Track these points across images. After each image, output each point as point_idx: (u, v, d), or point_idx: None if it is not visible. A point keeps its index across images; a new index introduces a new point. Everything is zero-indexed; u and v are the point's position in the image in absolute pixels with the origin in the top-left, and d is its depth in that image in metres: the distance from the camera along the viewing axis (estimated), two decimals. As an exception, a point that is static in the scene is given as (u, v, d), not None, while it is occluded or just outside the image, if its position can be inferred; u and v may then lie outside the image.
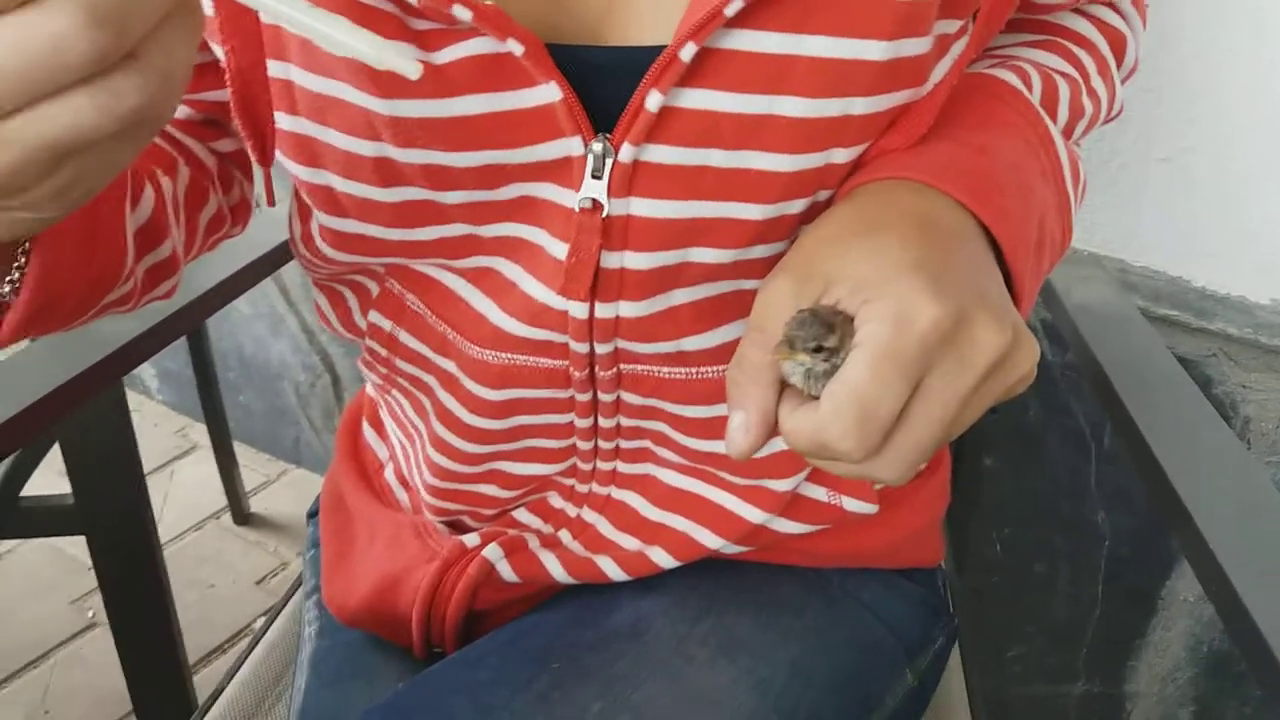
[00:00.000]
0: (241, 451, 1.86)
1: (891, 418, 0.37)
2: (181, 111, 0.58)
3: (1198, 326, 1.01)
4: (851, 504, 0.60)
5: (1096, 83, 0.59)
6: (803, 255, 0.42)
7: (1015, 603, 1.24)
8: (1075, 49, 0.60)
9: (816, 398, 0.38)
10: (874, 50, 0.43)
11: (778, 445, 0.56)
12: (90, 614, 1.59)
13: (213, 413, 1.69)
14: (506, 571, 0.59)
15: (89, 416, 0.92)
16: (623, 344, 0.52)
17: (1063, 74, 0.57)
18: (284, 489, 1.92)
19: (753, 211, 0.47)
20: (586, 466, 0.60)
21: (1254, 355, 1.01)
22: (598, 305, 0.50)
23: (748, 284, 0.51)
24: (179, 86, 0.30)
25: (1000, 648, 1.27)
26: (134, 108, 0.28)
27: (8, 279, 0.42)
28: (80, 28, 0.26)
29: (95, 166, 0.31)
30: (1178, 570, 1.13)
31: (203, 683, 1.44)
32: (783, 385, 0.40)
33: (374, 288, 0.59)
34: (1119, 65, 0.63)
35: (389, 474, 0.72)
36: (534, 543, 0.61)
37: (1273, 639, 0.52)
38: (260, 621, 1.58)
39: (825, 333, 0.38)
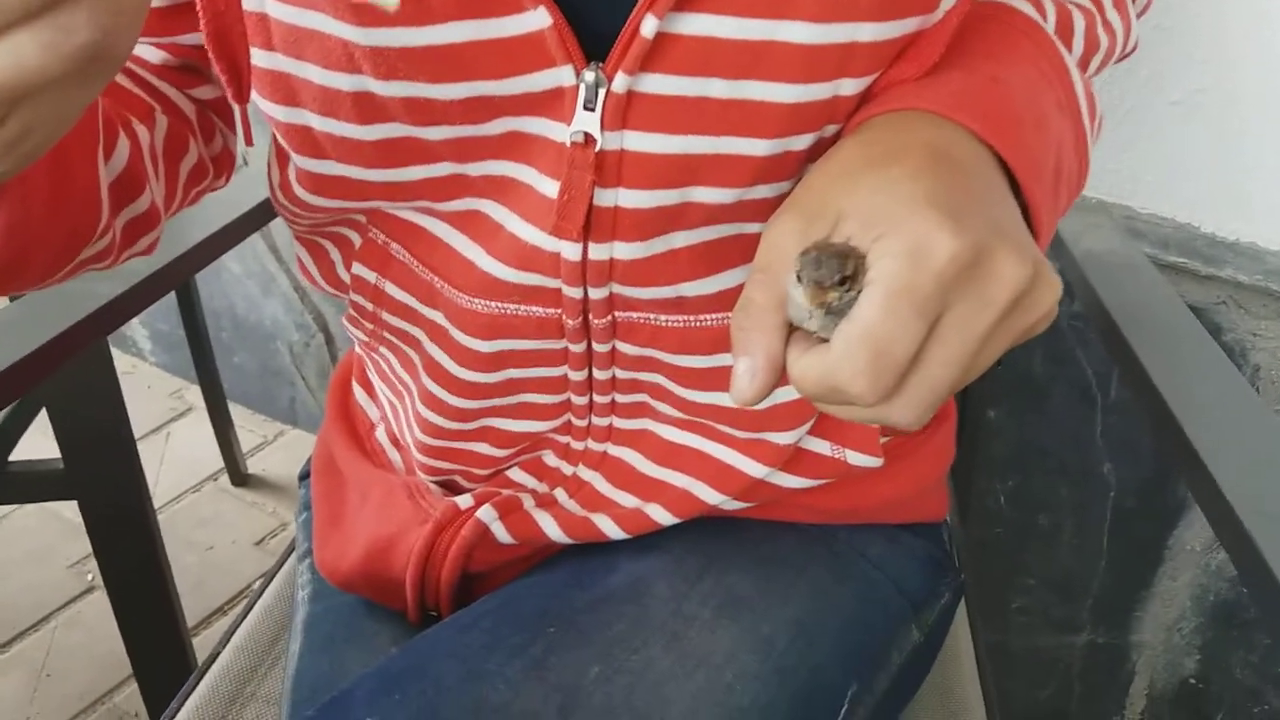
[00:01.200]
0: (237, 413, 1.85)
1: (907, 358, 0.34)
2: (157, 56, 0.55)
3: (1207, 274, 0.99)
4: (856, 458, 0.58)
5: (1112, 15, 0.57)
6: (810, 191, 0.39)
7: (1019, 554, 1.23)
8: None
9: (826, 340, 0.36)
10: None
11: (780, 396, 0.55)
12: (90, 577, 1.58)
13: (206, 374, 1.67)
14: (501, 533, 0.58)
15: (75, 379, 0.90)
16: (618, 289, 0.50)
17: (1078, 5, 0.55)
18: (281, 449, 1.91)
19: (755, 147, 0.44)
20: (581, 423, 0.58)
21: (1264, 302, 0.99)
22: (591, 246, 0.48)
23: (750, 227, 0.49)
24: (134, 20, 0.28)
25: (1004, 599, 1.26)
26: (84, 44, 0.26)
27: None
28: None
29: (48, 113, 0.29)
30: (1185, 520, 1.12)
31: (203, 644, 1.44)
32: (790, 328, 0.38)
33: (356, 239, 0.57)
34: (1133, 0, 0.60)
35: (380, 434, 0.70)
36: (529, 503, 0.59)
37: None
38: (260, 583, 1.58)
39: (842, 264, 0.35)
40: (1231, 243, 0.98)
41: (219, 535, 1.69)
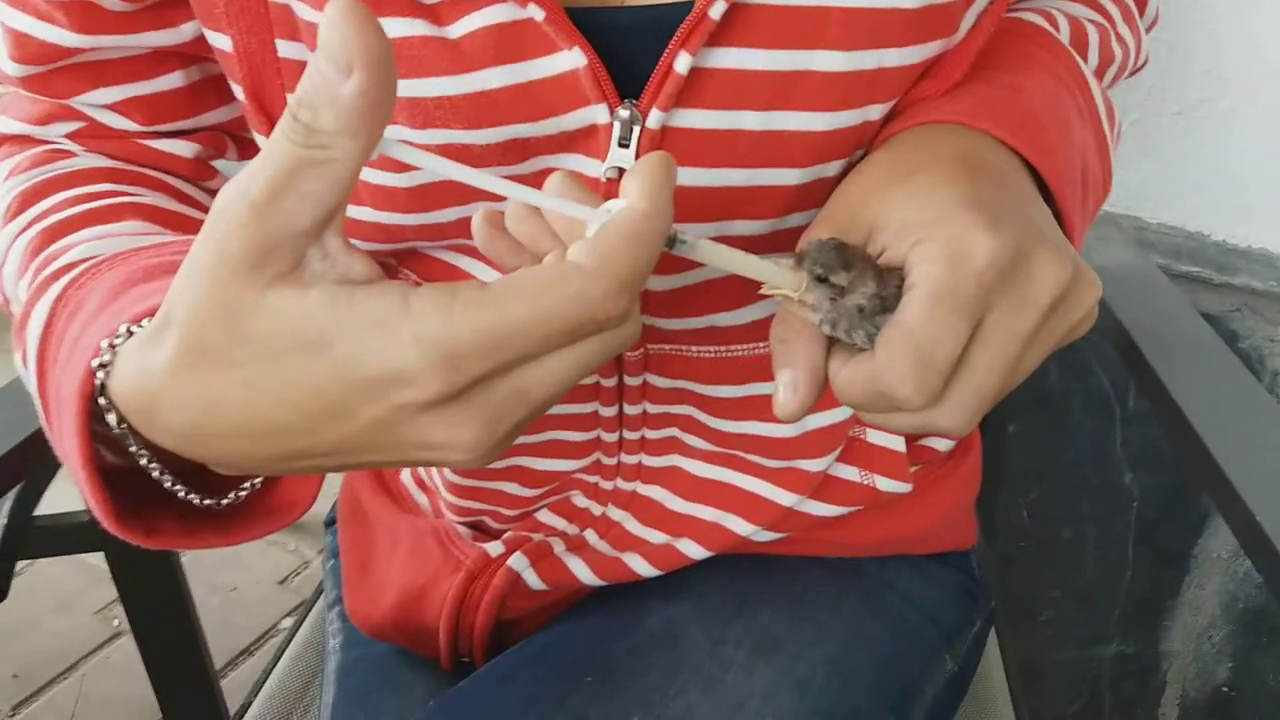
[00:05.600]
0: (256, 452, 1.85)
1: (951, 360, 0.34)
2: (190, 150, 0.55)
3: (1220, 282, 0.99)
4: (885, 483, 0.58)
5: (1123, 29, 0.58)
6: (841, 206, 0.40)
7: (1045, 568, 1.22)
8: None
9: (865, 349, 0.37)
10: None
11: (811, 423, 0.55)
12: (116, 623, 1.59)
13: (226, 415, 1.68)
14: (533, 580, 0.58)
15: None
16: (650, 320, 0.51)
17: (1090, 20, 0.56)
18: (301, 487, 1.91)
19: (789, 176, 0.45)
20: (610, 461, 0.58)
21: (1279, 308, 0.99)
22: None
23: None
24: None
25: (1031, 613, 1.26)
26: (625, 346, 0.33)
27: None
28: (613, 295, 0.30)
29: None
30: (1210, 527, 1.11)
31: (231, 685, 1.44)
32: (831, 342, 0.38)
33: None
34: (1140, 15, 0.61)
35: (405, 476, 0.71)
36: (559, 547, 0.60)
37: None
38: (286, 622, 1.58)
39: (836, 263, 0.36)
40: (1243, 249, 0.98)
41: (242, 576, 1.69)
